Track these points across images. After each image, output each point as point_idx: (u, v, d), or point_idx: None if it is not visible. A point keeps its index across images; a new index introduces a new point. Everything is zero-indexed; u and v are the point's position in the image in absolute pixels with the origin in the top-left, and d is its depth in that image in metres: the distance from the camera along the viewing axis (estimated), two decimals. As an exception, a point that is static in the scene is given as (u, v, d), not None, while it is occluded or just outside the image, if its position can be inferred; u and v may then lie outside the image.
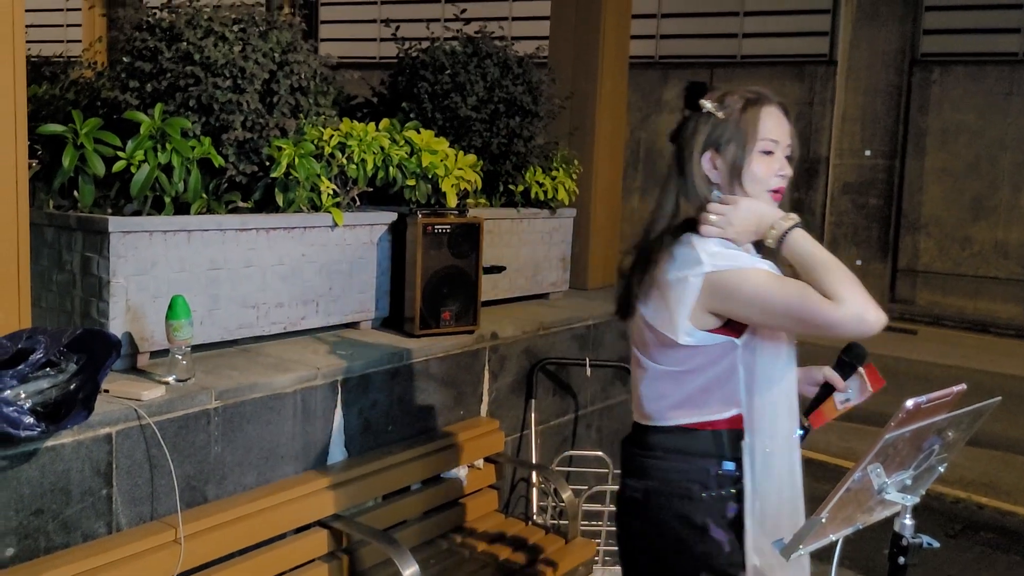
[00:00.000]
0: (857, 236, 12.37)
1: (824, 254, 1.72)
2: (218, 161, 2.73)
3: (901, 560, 1.48)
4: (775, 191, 1.80)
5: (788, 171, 1.81)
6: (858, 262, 12.31)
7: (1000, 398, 1.55)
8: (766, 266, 1.73)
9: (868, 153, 12.23)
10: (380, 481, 2.80)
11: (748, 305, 1.71)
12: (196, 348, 2.63)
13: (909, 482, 1.53)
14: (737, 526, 1.75)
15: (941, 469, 1.61)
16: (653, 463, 1.83)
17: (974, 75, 11.78)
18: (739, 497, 1.76)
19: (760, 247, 1.80)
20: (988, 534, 4.84)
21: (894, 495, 1.48)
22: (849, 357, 1.95)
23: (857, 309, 1.63)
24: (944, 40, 12.01)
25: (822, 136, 12.74)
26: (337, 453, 2.78)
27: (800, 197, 12.93)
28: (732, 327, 1.76)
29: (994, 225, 11.74)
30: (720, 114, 1.79)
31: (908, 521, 1.49)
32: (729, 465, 1.77)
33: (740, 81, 13.34)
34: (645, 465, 1.84)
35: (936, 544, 1.50)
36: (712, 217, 1.77)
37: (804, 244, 1.73)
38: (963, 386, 1.45)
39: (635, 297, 1.82)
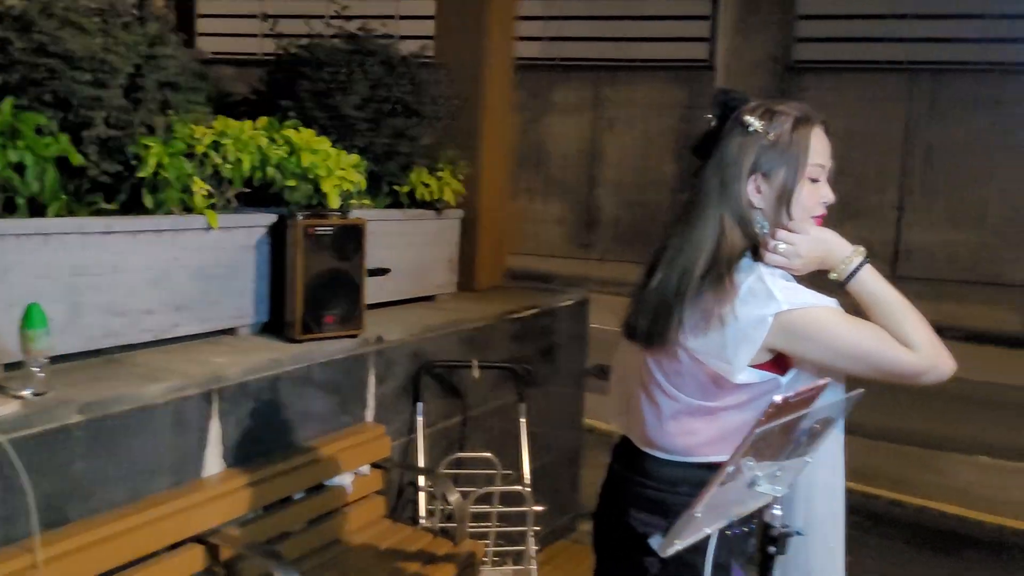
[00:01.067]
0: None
1: (895, 294, 1.65)
2: (77, 160, 2.58)
3: (772, 550, 1.50)
4: (819, 217, 1.72)
5: (832, 197, 1.74)
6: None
7: (863, 390, 1.59)
8: (834, 304, 1.63)
9: (748, 156, 12.64)
10: (260, 492, 2.69)
11: (819, 348, 1.61)
12: (58, 359, 2.48)
13: (779, 473, 1.55)
14: (756, 562, 1.66)
15: (809, 460, 1.65)
16: (676, 499, 1.65)
17: (844, 81, 12.33)
18: (755, 533, 1.66)
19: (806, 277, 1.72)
20: (854, 517, 5.02)
21: (765, 486, 1.49)
22: None
23: (932, 358, 1.59)
24: (816, 48, 12.53)
25: (704, 139, 13.11)
26: (214, 465, 2.67)
27: (684, 199, 13.26)
28: (779, 364, 1.67)
29: (861, 226, 12.28)
30: (770, 135, 1.68)
31: (778, 511, 1.51)
32: None
33: (624, 85, 13.65)
34: (667, 501, 1.70)
35: (804, 534, 1.52)
36: (781, 247, 1.67)
37: (875, 282, 1.66)
38: (828, 380, 1.49)
39: (676, 326, 1.66)
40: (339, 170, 3.36)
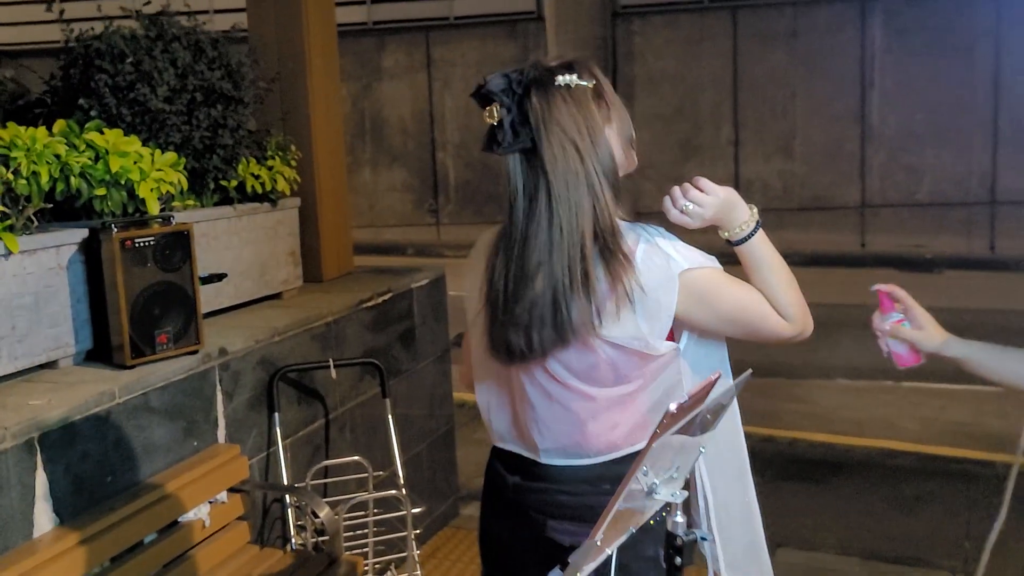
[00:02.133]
0: (585, 186, 12.88)
1: (779, 259, 1.65)
2: None
3: (678, 561, 1.39)
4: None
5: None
6: (588, 211, 12.85)
7: (751, 371, 1.50)
8: (719, 265, 1.64)
9: (585, 104, 12.71)
10: (103, 545, 2.41)
11: (708, 309, 1.61)
12: None
13: (675, 475, 1.44)
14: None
15: (702, 450, 1.55)
16: (599, 500, 1.50)
17: (670, 24, 12.53)
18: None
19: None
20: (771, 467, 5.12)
21: (663, 493, 1.38)
22: None
23: (802, 323, 1.63)
24: (640, -9, 12.66)
25: (540, 92, 13.08)
26: (45, 523, 2.36)
27: (527, 153, 13.26)
28: (673, 331, 1.64)
29: (701, 163, 12.62)
30: (592, 84, 1.64)
31: (680, 519, 1.41)
32: None
33: (454, 43, 13.44)
34: (589, 503, 1.62)
35: (708, 537, 1.43)
36: (691, 207, 1.59)
37: (764, 246, 1.65)
38: (718, 373, 1.39)
39: (588, 319, 1.54)
40: (155, 171, 3.04)
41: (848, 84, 11.82)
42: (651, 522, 1.53)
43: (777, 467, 5.03)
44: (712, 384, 1.30)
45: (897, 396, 6.06)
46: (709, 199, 1.61)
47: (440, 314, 4.43)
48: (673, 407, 1.20)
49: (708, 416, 1.47)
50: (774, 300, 1.63)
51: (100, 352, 2.86)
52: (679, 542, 1.39)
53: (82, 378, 2.71)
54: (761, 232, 1.65)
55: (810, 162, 12.15)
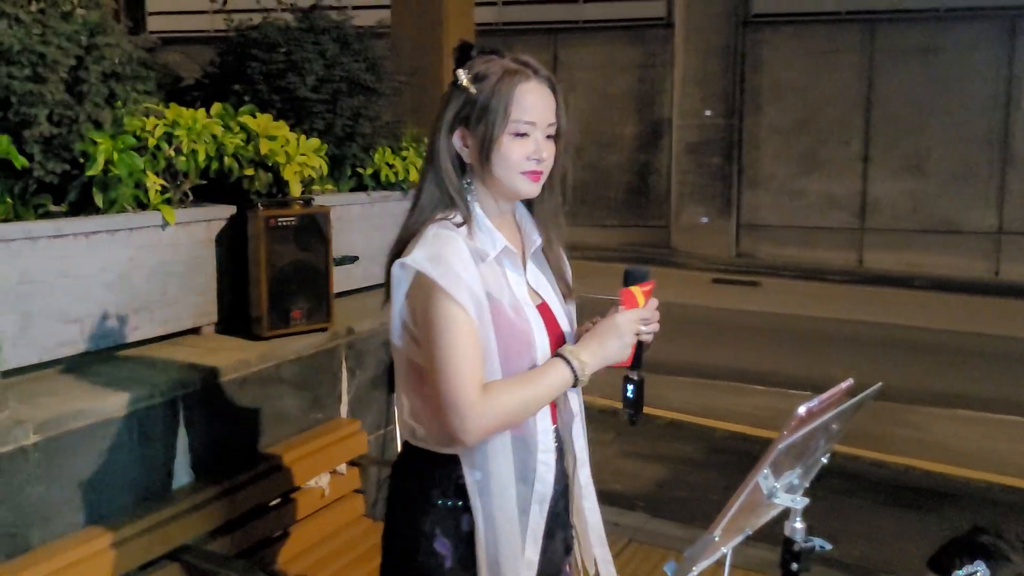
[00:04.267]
0: (702, 194, 12.74)
1: (551, 393, 1.61)
2: (20, 162, 2.40)
3: (794, 566, 1.42)
4: (532, 173, 1.62)
5: (545, 154, 1.63)
6: (704, 219, 12.70)
7: (881, 384, 1.51)
8: (472, 303, 1.54)
9: (708, 113, 12.57)
10: (233, 502, 2.57)
11: (423, 327, 1.56)
12: (9, 373, 2.32)
13: (796, 481, 1.47)
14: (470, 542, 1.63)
15: (824, 460, 1.57)
16: (409, 464, 1.70)
17: (800, 34, 12.27)
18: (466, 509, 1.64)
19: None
20: (835, 480, 5.04)
21: (783, 498, 1.41)
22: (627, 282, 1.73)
23: (473, 433, 1.54)
24: (772, 1, 12.42)
25: (664, 98, 13.01)
26: (183, 477, 2.54)
27: (646, 159, 13.20)
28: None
29: (824, 178, 12.32)
30: (472, 88, 1.60)
31: (799, 525, 1.43)
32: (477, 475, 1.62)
33: (581, 47, 13.47)
34: (400, 465, 1.73)
35: (828, 546, 1.44)
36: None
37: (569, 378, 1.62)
38: (850, 381, 1.40)
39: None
40: (299, 156, 3.20)
41: (988, 104, 11.33)
42: (437, 502, 1.63)
43: (886, 492, 4.91)
44: (844, 392, 1.32)
45: (1018, 430, 5.82)
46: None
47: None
48: (802, 410, 1.22)
49: (834, 426, 1.49)
50: (505, 394, 1.56)
51: (239, 323, 3.04)
52: (796, 548, 1.41)
53: (222, 345, 2.89)
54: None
55: (942, 183, 11.70)
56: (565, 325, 1.72)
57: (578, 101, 13.42)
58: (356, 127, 3.59)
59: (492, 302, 1.59)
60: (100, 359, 2.65)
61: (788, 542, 1.43)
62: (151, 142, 2.77)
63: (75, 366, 2.58)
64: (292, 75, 3.40)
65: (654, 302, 1.69)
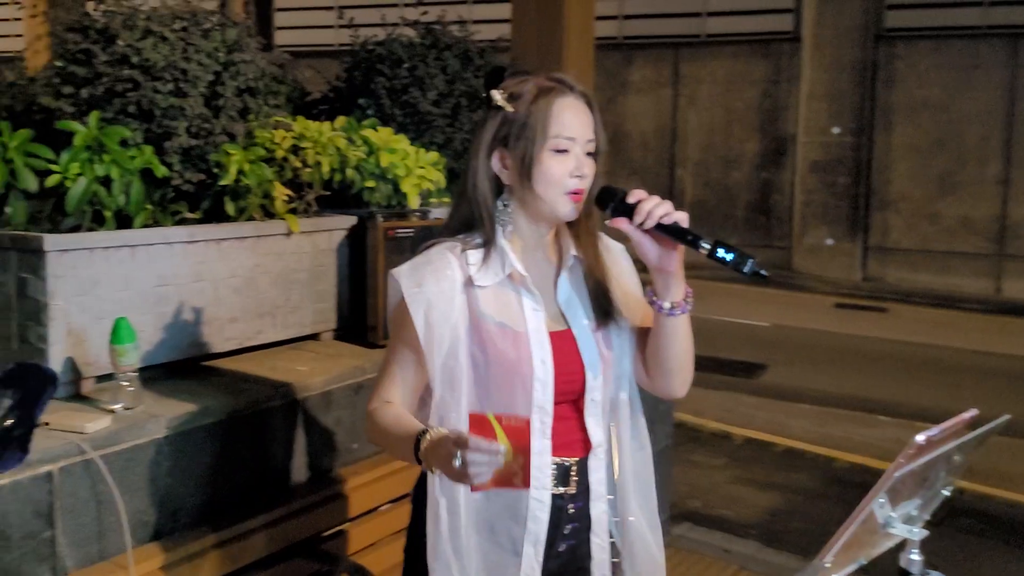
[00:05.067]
0: (827, 215, 12.36)
1: (398, 452, 1.61)
2: (161, 171, 2.56)
3: (910, 600, 1.36)
4: (573, 193, 1.60)
5: (587, 171, 1.61)
6: (829, 241, 12.31)
7: (1009, 416, 1.44)
8: (423, 320, 1.58)
9: (836, 130, 12.21)
10: (349, 503, 2.65)
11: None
12: (144, 370, 2.46)
13: (914, 512, 1.41)
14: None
15: (946, 493, 1.50)
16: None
17: (938, 48, 11.78)
18: None
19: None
20: (968, 520, 4.78)
21: (900, 528, 1.36)
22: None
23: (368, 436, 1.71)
24: (908, 15, 11.98)
25: (789, 114, 12.70)
26: (300, 476, 2.63)
27: (768, 177, 12.90)
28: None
29: (961, 200, 11.77)
30: (509, 107, 1.60)
31: (916, 556, 1.37)
32: None
33: (703, 61, 13.32)
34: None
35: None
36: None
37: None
38: (974, 411, 1.34)
39: None
40: (418, 169, 3.28)
41: None
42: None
43: (1020, 534, 4.64)
44: (966, 422, 1.27)
45: None
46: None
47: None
48: (921, 438, 1.18)
49: (955, 457, 1.43)
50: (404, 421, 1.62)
51: (356, 330, 3.14)
52: (913, 581, 1.36)
53: (339, 352, 2.98)
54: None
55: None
56: (590, 355, 1.66)
57: (699, 116, 13.26)
58: (475, 141, 3.65)
59: (484, 326, 1.59)
60: (227, 360, 2.78)
61: (903, 573, 1.37)
62: (279, 153, 2.90)
63: (204, 366, 2.71)
64: (415, 90, 3.49)
65: (524, 440, 1.42)
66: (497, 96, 1.61)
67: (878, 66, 12.12)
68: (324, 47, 11.70)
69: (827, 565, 1.26)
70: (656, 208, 1.54)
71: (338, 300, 3.11)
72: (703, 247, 1.51)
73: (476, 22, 4.29)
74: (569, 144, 1.59)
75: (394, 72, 3.53)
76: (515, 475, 1.41)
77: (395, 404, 1.65)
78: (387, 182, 3.22)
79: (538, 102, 1.59)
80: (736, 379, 7.48)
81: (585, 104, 1.63)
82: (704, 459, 5.67)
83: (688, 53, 13.32)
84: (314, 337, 3.08)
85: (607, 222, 1.61)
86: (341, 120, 3.30)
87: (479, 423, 1.41)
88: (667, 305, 1.60)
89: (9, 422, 1.97)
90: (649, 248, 1.58)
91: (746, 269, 1.49)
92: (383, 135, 3.27)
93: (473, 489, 1.44)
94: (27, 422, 1.96)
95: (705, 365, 7.78)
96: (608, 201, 1.60)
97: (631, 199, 1.56)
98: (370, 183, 3.18)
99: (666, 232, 1.55)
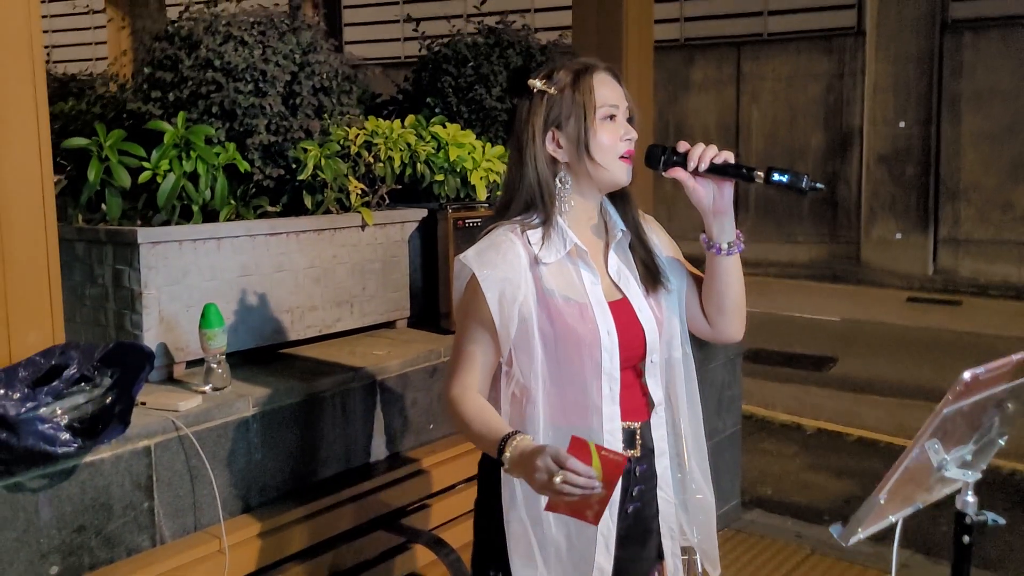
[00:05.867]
0: (895, 207, 12.14)
1: (483, 444, 1.66)
2: (243, 166, 2.72)
3: (966, 539, 1.41)
4: (625, 156, 1.70)
5: (633, 134, 1.71)
6: (898, 234, 12.09)
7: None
8: (497, 299, 1.65)
9: (902, 124, 12.00)
10: (425, 481, 2.77)
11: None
12: (230, 355, 2.61)
13: (969, 457, 1.46)
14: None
15: (1002, 442, 1.55)
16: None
17: (1007, 37, 11.51)
18: None
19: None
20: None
21: (954, 472, 1.41)
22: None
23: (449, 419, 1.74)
24: (973, 5, 11.74)
25: (854, 107, 12.53)
26: (380, 453, 2.76)
27: (834, 170, 12.74)
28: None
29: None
30: (552, 90, 1.69)
31: (971, 498, 1.42)
32: None
33: (765, 59, 13.22)
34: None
35: (1001, 521, 1.43)
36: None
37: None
38: (1023, 354, 1.38)
39: None
40: (484, 162, 3.40)
41: None
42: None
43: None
44: (1015, 364, 1.32)
45: None
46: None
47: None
48: (967, 375, 1.23)
49: (1009, 405, 1.47)
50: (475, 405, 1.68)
51: (429, 318, 3.26)
52: (968, 521, 1.41)
53: (414, 338, 3.11)
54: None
55: None
56: (648, 320, 1.74)
57: (763, 112, 13.16)
58: (538, 135, 3.76)
59: (552, 302, 1.67)
60: (308, 347, 2.93)
61: (960, 515, 1.42)
62: (352, 149, 3.04)
63: (286, 352, 2.86)
64: (479, 87, 3.61)
65: (615, 475, 1.43)
66: (539, 83, 1.71)
67: (944, 56, 11.89)
68: (391, 59, 11.97)
69: (882, 501, 1.32)
70: (706, 152, 1.65)
71: (411, 289, 3.24)
72: (757, 175, 1.60)
73: (538, 30, 4.39)
74: (614, 111, 1.69)
75: (459, 71, 3.66)
76: (591, 508, 1.43)
77: (476, 392, 1.71)
78: (455, 175, 3.34)
79: (579, 81, 1.69)
80: (806, 372, 7.43)
81: (614, 77, 1.73)
82: (775, 448, 5.66)
83: (750, 51, 13.23)
84: (389, 325, 3.21)
85: (664, 173, 1.70)
86: (411, 118, 3.43)
87: (579, 447, 1.41)
88: (724, 246, 1.70)
89: (110, 399, 2.14)
90: (703, 194, 1.68)
91: (804, 185, 1.57)
92: (451, 131, 3.39)
93: (547, 508, 1.50)
94: (127, 397, 2.12)
95: (774, 359, 7.79)
96: (659, 156, 1.70)
97: (681, 149, 1.67)
98: (439, 176, 3.30)
99: (719, 172, 1.64)
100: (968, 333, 8.79)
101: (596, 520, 1.46)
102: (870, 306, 10.14)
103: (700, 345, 4.20)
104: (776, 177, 1.58)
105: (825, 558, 3.83)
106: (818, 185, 1.57)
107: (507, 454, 1.54)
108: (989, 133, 11.67)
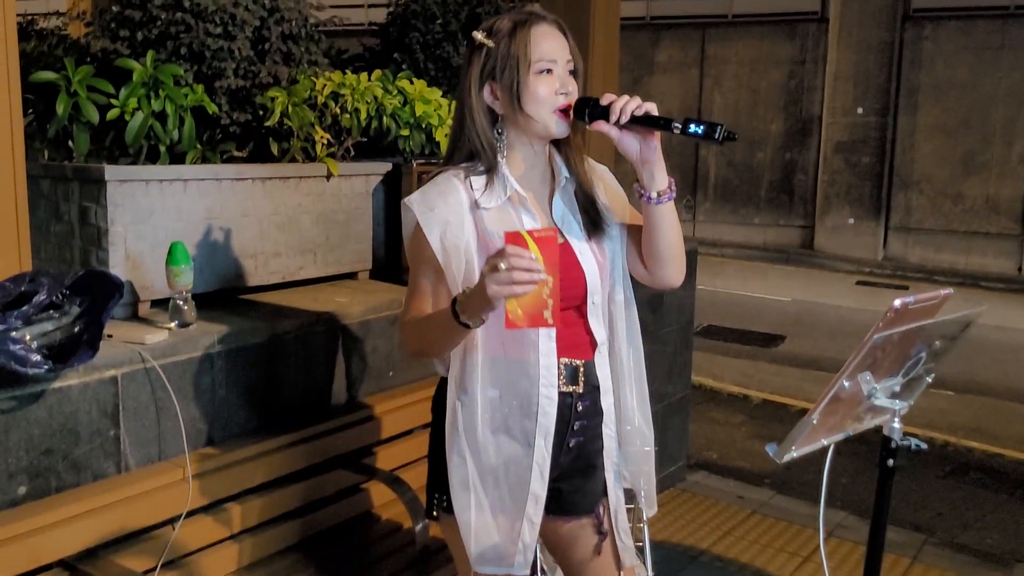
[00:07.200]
0: (850, 194, 12.41)
1: (443, 330, 1.71)
2: (212, 108, 2.74)
3: (891, 462, 1.52)
4: (562, 111, 1.72)
5: (572, 87, 1.73)
6: (851, 220, 12.36)
7: (985, 307, 1.59)
8: (438, 239, 1.72)
9: (860, 111, 12.24)
10: (387, 423, 2.83)
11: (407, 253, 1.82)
12: (195, 297, 2.65)
13: (898, 389, 1.57)
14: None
15: (929, 379, 1.65)
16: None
17: (966, 29, 11.77)
18: None
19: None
20: (977, 474, 4.93)
21: (883, 401, 1.52)
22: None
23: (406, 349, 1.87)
24: (935, -5, 11.98)
25: (814, 95, 12.74)
26: (341, 396, 2.82)
27: (793, 157, 12.96)
28: None
29: (985, 180, 11.78)
30: (490, 42, 1.73)
31: (897, 424, 1.53)
32: None
33: (729, 41, 13.36)
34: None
35: (924, 446, 1.53)
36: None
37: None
38: (950, 290, 1.49)
39: None
40: (450, 119, 3.45)
41: None
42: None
43: (1028, 490, 4.77)
44: (943, 298, 1.41)
45: None
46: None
47: (688, 290, 4.60)
48: (897, 303, 1.33)
49: (937, 342, 1.58)
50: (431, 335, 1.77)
51: (391, 271, 3.32)
52: (893, 445, 1.52)
53: (376, 288, 3.17)
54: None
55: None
56: (588, 263, 1.80)
57: (725, 97, 13.32)
58: (504, 97, 3.82)
59: (492, 243, 1.72)
60: (272, 293, 2.97)
61: (886, 440, 1.53)
62: (320, 99, 3.08)
63: (250, 296, 2.90)
64: (447, 45, 3.66)
65: (553, 253, 1.53)
66: (478, 35, 1.75)
67: (904, 47, 12.13)
68: (355, 26, 11.88)
69: (814, 421, 1.41)
70: (627, 104, 1.68)
71: (374, 241, 3.29)
72: (675, 127, 1.66)
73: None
74: (551, 65, 1.72)
75: (428, 28, 3.70)
76: (545, 307, 1.53)
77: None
78: (421, 131, 3.39)
79: (516, 33, 1.72)
80: (756, 348, 7.62)
81: (558, 29, 1.75)
82: (722, 416, 5.82)
83: (715, 33, 13.37)
84: (352, 276, 3.26)
85: (588, 126, 1.73)
86: (377, 72, 3.47)
87: (513, 239, 1.52)
88: (654, 195, 1.74)
89: (79, 327, 2.18)
90: (629, 144, 1.71)
91: (716, 135, 1.63)
92: (417, 87, 3.43)
93: (508, 326, 1.56)
94: (96, 325, 2.16)
95: (726, 335, 7.95)
96: (584, 108, 1.72)
97: (604, 102, 1.70)
98: (404, 131, 3.35)
99: (641, 123, 1.68)
100: (914, 316, 9.03)
101: (556, 319, 1.55)
102: (821, 288, 10.38)
103: (653, 310, 4.33)
104: (692, 128, 1.64)
105: (765, 518, 3.98)
106: (733, 134, 1.63)
107: (460, 302, 1.62)
108: (944, 126, 11.96)
